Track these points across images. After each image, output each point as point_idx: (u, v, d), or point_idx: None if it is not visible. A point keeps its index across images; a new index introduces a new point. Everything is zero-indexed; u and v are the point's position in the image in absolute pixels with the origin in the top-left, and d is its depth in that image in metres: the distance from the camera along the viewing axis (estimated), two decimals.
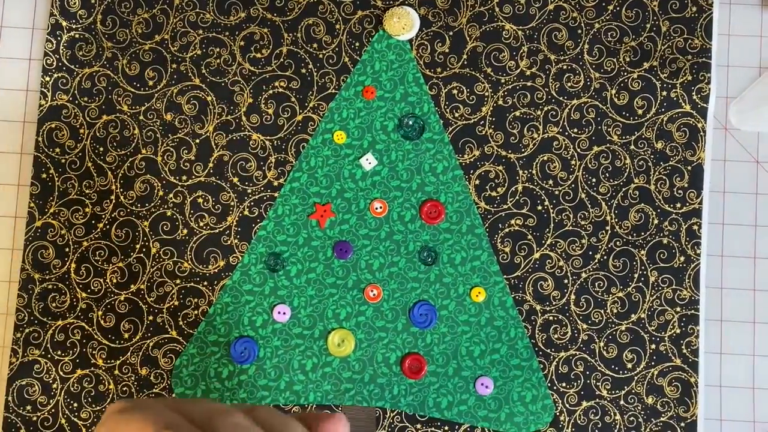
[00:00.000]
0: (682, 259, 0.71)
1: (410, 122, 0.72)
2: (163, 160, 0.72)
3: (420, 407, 0.70)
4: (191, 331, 0.71)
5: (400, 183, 0.72)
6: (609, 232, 0.71)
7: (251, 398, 0.70)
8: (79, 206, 0.72)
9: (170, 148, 0.72)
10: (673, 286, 0.70)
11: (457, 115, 0.72)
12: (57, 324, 0.71)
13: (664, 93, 0.72)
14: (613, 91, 0.72)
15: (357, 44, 0.73)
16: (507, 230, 0.71)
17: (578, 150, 0.72)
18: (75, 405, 0.70)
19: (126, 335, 0.71)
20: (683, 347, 0.70)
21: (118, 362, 0.71)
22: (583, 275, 0.71)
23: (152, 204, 0.72)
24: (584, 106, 0.72)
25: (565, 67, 0.72)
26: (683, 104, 0.72)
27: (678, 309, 0.70)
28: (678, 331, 0.70)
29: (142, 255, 0.71)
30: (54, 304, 0.71)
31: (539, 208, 0.71)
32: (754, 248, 0.72)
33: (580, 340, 0.70)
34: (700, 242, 0.71)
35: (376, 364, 0.70)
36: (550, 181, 0.72)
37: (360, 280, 0.71)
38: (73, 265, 0.71)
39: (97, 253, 0.71)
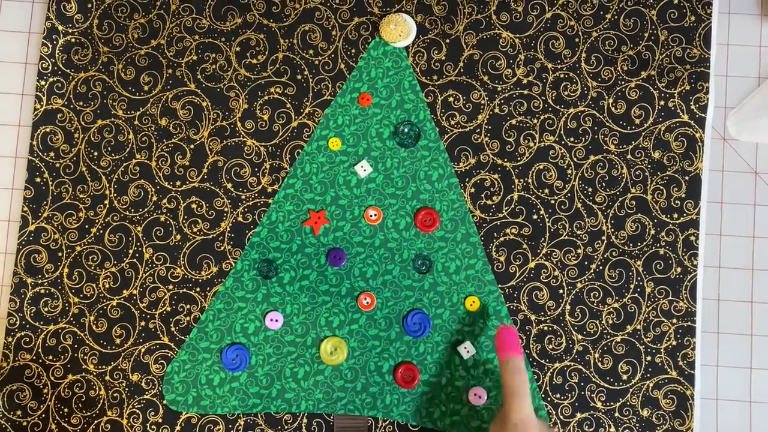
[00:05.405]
0: (678, 270, 0.70)
1: (406, 129, 0.72)
2: (157, 165, 0.72)
3: (412, 417, 0.69)
4: (183, 338, 0.70)
5: (395, 190, 0.71)
6: (605, 242, 0.70)
7: (242, 406, 0.69)
8: (73, 211, 0.72)
9: (164, 154, 0.72)
10: (670, 298, 0.70)
11: (453, 122, 0.72)
12: (49, 329, 0.70)
13: (662, 102, 0.71)
14: (611, 100, 0.72)
15: (353, 51, 0.73)
16: (502, 239, 0.71)
17: (574, 159, 0.71)
18: (65, 410, 0.70)
19: (118, 341, 0.70)
20: (679, 359, 0.69)
21: (109, 368, 0.70)
22: (579, 285, 0.70)
23: (146, 209, 0.72)
24: (581, 115, 0.72)
25: (562, 75, 0.72)
26: (681, 114, 0.71)
27: (674, 320, 0.69)
28: (674, 342, 0.69)
29: (135, 260, 0.71)
30: (46, 309, 0.71)
31: (535, 217, 0.71)
32: (752, 260, 0.72)
33: (574, 350, 0.70)
34: (697, 253, 0.70)
35: (369, 373, 0.70)
36: (546, 190, 0.71)
37: (353, 288, 0.70)
38: (66, 270, 0.71)
39: (90, 257, 0.71)
